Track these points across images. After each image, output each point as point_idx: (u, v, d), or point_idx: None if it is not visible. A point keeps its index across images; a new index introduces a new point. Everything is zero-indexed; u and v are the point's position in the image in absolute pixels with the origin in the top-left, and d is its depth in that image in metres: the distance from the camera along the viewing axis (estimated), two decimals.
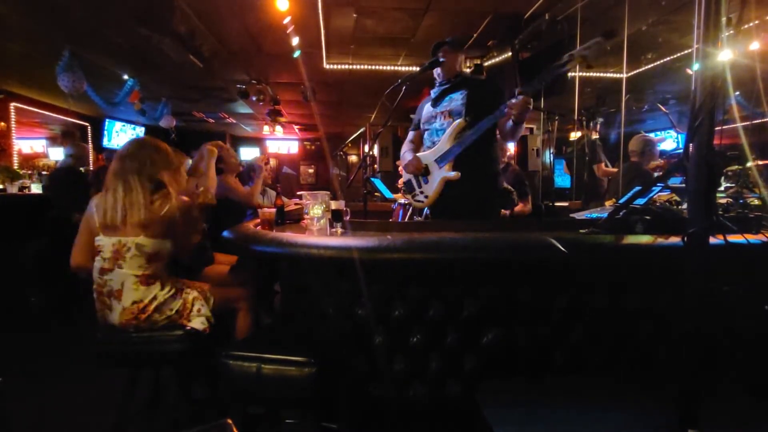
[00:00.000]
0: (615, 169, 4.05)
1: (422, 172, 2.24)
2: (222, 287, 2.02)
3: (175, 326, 1.77)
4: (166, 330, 1.76)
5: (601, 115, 5.56)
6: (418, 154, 2.26)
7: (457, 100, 2.13)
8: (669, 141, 8.05)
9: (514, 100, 1.84)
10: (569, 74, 4.05)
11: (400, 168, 4.32)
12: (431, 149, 2.19)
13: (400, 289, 1.40)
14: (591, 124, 4.59)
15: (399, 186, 3.37)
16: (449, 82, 2.21)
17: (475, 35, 4.36)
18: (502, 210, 3.09)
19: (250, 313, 2.00)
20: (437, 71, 2.22)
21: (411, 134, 2.46)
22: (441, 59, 2.15)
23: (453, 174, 2.10)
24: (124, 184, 1.74)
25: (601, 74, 5.45)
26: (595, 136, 4.49)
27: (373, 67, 5.40)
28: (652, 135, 4.46)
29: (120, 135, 8.15)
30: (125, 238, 1.71)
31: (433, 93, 2.28)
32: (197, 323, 1.80)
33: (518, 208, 3.38)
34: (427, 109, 2.30)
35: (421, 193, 2.27)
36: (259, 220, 1.89)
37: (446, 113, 2.16)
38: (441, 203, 2.20)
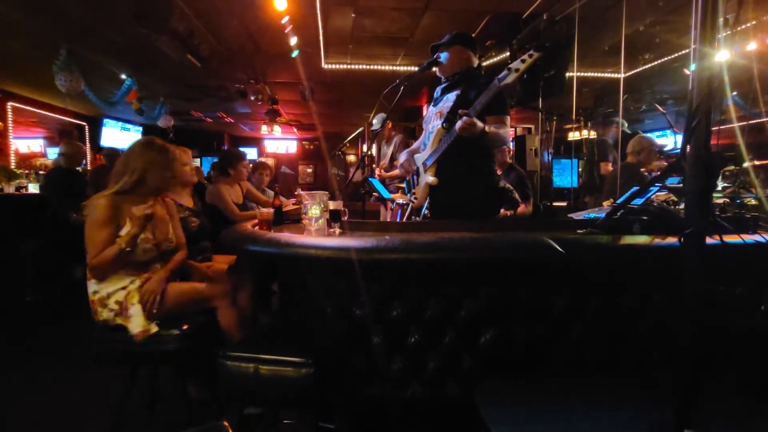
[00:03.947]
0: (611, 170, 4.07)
1: (415, 172, 2.25)
2: (194, 289, 1.93)
3: (171, 325, 1.77)
4: (163, 329, 1.76)
5: (600, 114, 5.59)
6: (415, 156, 2.27)
7: (450, 100, 2.10)
8: (667, 139, 8.07)
9: (459, 123, 1.83)
10: (567, 74, 4.05)
11: (377, 171, 4.34)
12: (424, 151, 2.19)
13: (398, 289, 1.40)
14: (607, 124, 4.60)
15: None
16: (448, 80, 2.20)
17: (473, 35, 4.36)
18: (504, 210, 3.08)
19: (233, 308, 1.93)
20: (438, 70, 2.21)
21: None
22: (439, 59, 2.15)
23: (431, 179, 2.10)
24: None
25: (599, 74, 5.46)
26: (615, 131, 4.47)
27: (372, 67, 5.40)
28: (649, 136, 4.47)
29: (118, 135, 8.13)
30: None
31: (435, 92, 2.28)
32: (135, 323, 1.70)
33: (519, 210, 3.39)
34: (429, 108, 2.30)
35: (413, 193, 2.29)
36: (257, 221, 1.89)
37: (440, 114, 2.15)
38: (436, 204, 2.20)
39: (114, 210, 1.74)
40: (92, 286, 1.75)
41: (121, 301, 1.73)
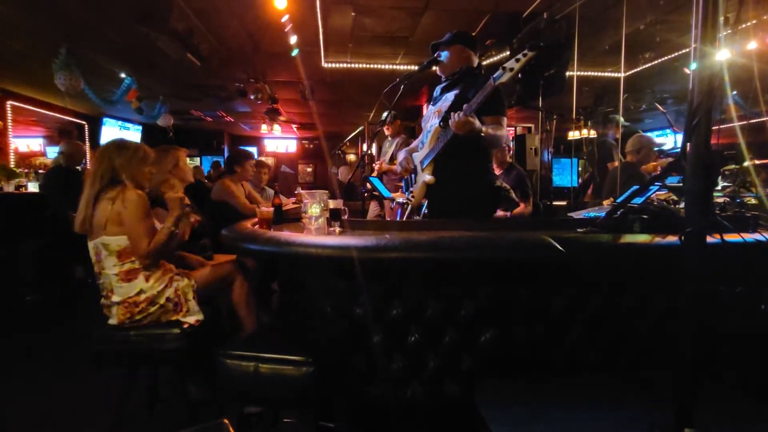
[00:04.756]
0: None
1: (413, 171, 2.25)
2: (212, 269, 2.05)
3: (172, 324, 1.77)
4: (163, 328, 1.76)
5: (600, 113, 5.58)
6: (413, 154, 2.27)
7: (448, 99, 2.09)
8: (667, 138, 8.08)
9: (452, 120, 1.84)
10: (567, 73, 4.05)
11: (377, 166, 4.33)
12: (422, 150, 2.19)
13: (398, 288, 1.40)
14: (606, 123, 4.59)
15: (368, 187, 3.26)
16: (448, 80, 2.19)
17: (473, 34, 4.36)
18: (501, 211, 3.08)
19: (246, 281, 2.04)
20: (438, 69, 2.21)
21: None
22: (439, 57, 2.15)
23: (428, 178, 2.10)
24: (88, 187, 1.81)
25: (599, 74, 5.46)
26: (617, 133, 4.47)
27: (372, 66, 5.40)
28: (649, 135, 4.47)
29: (117, 134, 8.13)
30: (95, 240, 1.77)
31: (435, 92, 2.27)
32: (192, 316, 1.82)
33: (519, 209, 3.40)
34: (428, 107, 2.30)
35: (410, 192, 2.29)
36: (257, 219, 1.89)
37: (438, 112, 2.15)
38: (433, 203, 2.19)
39: (147, 201, 1.81)
40: (136, 285, 1.76)
41: (173, 297, 1.80)
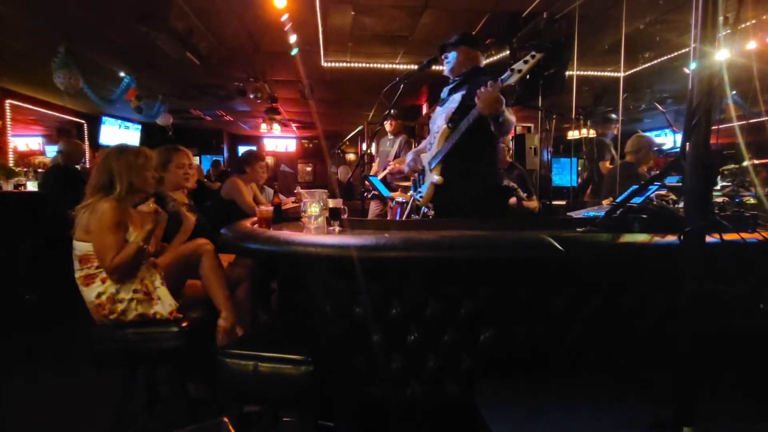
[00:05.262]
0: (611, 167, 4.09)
1: (420, 172, 2.26)
2: (178, 251, 2.03)
3: (169, 323, 1.77)
4: (161, 327, 1.76)
5: (599, 113, 5.58)
6: (421, 155, 2.28)
7: (455, 100, 2.10)
8: (665, 138, 8.08)
9: (482, 89, 1.79)
10: (567, 73, 4.05)
11: (373, 169, 4.32)
12: (430, 151, 2.20)
13: (398, 288, 1.40)
14: (606, 123, 4.61)
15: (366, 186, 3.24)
16: (454, 80, 2.20)
17: (473, 33, 4.35)
18: (513, 200, 3.07)
19: (215, 256, 1.98)
20: (446, 70, 2.22)
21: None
22: (446, 59, 2.16)
23: (437, 179, 2.11)
24: (86, 194, 1.81)
25: (599, 73, 5.46)
26: (615, 132, 4.47)
27: (371, 65, 5.40)
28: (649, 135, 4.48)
29: (117, 132, 8.11)
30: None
31: (442, 93, 2.28)
32: (164, 306, 1.78)
33: (525, 203, 3.42)
34: (436, 109, 2.31)
35: (419, 192, 2.30)
36: (256, 219, 1.89)
37: (446, 114, 2.15)
38: (439, 203, 2.20)
39: (121, 213, 1.76)
40: (94, 289, 1.74)
41: (140, 288, 1.76)
